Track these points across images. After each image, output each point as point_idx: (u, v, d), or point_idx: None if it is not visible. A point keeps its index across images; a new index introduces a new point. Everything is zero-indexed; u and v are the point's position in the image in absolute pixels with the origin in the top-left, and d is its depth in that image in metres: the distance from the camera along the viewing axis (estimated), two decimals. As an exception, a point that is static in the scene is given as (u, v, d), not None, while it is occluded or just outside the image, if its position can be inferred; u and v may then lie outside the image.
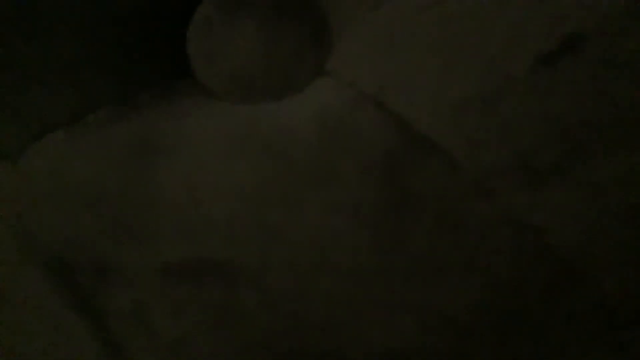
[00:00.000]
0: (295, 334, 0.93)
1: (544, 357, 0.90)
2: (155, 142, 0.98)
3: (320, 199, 0.92)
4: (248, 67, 1.01)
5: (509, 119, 0.87)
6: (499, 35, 0.89)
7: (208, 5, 1.06)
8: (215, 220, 0.95)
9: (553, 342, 0.90)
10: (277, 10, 1.02)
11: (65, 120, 1.02)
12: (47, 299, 0.97)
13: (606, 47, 0.86)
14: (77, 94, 1.03)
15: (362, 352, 0.91)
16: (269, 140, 0.95)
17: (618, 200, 0.86)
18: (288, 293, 0.93)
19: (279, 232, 0.93)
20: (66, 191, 0.99)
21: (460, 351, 0.90)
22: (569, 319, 0.88)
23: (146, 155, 0.98)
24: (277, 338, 0.93)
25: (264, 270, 0.93)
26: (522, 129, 0.87)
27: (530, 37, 0.88)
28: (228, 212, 0.95)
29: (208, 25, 1.05)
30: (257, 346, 0.94)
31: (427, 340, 0.90)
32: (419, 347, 0.90)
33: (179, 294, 0.96)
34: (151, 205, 0.97)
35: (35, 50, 1.04)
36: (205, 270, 0.95)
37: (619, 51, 0.86)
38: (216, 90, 1.03)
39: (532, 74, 0.88)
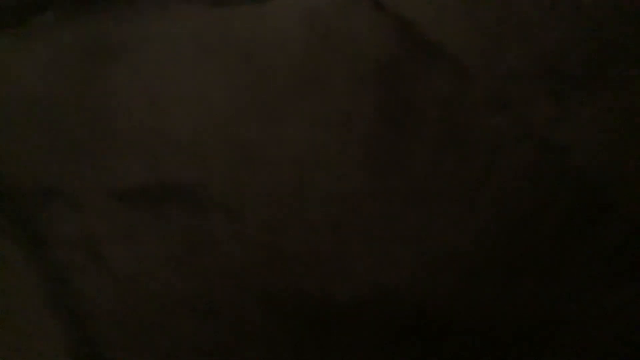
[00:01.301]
0: (273, 269, 0.80)
1: (557, 301, 0.78)
2: (112, 46, 0.84)
3: (305, 112, 0.79)
4: (224, -37, 0.88)
5: (532, 17, 0.74)
6: None
7: None
8: (180, 137, 0.81)
9: (569, 284, 0.77)
10: None
11: (8, 23, 0.88)
12: (-20, 225, 0.84)
13: None
14: (23, -8, 0.89)
15: (350, 290, 0.78)
16: (246, 45, 0.82)
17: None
18: (265, 221, 0.79)
19: (256, 151, 0.80)
20: (11, 103, 0.86)
21: (463, 291, 0.77)
22: (591, 258, 0.76)
23: (101, 61, 0.84)
24: (251, 274, 0.80)
25: (238, 194, 0.80)
26: (547, 28, 0.74)
27: None
28: (195, 127, 0.81)
29: None
30: (227, 283, 0.81)
31: (425, 278, 0.77)
32: (416, 286, 0.77)
33: (135, 222, 0.82)
34: (106, 120, 0.83)
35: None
36: (167, 195, 0.82)
37: None
38: (186, -10, 0.90)
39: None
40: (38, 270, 0.82)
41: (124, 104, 0.83)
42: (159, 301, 0.81)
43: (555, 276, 0.77)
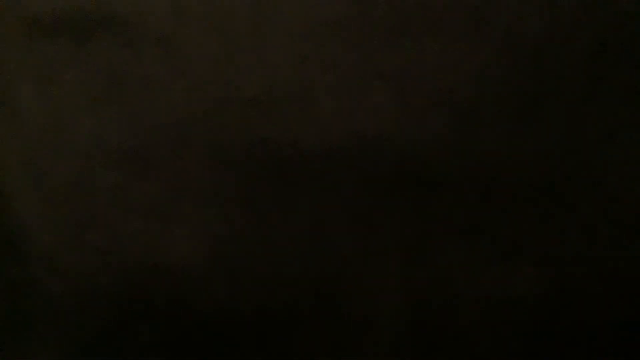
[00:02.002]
0: (223, 114, 0.67)
1: (577, 148, 0.67)
2: None
3: None
4: None
5: None
6: None
7: None
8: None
9: (595, 127, 0.66)
10: None
11: None
12: None
13: None
14: None
15: (317, 137, 0.66)
16: None
17: None
18: (213, 57, 0.67)
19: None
20: None
21: (458, 140, 0.66)
22: (625, 96, 0.65)
23: None
24: (195, 120, 0.67)
25: (180, 25, 0.67)
26: None
27: None
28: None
29: None
30: (166, 131, 0.68)
31: (411, 123, 0.66)
32: (400, 132, 0.66)
33: (54, 57, 0.68)
34: None
35: None
36: (94, 25, 0.68)
37: None
38: None
39: None
40: None
41: None
42: (81, 154, 0.68)
43: (579, 117, 0.66)
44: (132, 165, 0.68)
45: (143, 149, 0.68)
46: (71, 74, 0.68)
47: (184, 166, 0.68)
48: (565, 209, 0.66)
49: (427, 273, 0.68)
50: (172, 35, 0.67)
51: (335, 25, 0.65)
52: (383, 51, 0.65)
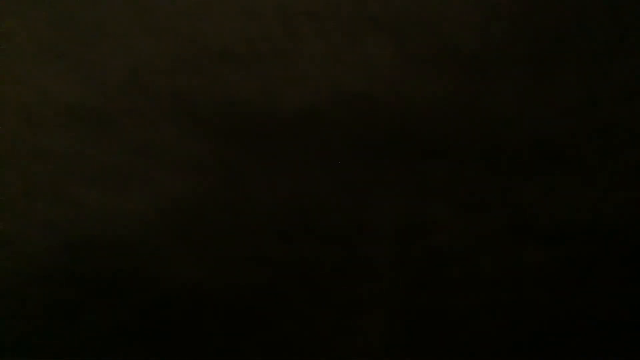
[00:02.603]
0: (192, 69, 0.59)
1: (599, 102, 0.60)
2: None
3: None
4: None
5: None
6: None
7: None
8: None
9: (609, 82, 0.59)
10: None
11: None
12: None
13: None
14: None
15: (300, 95, 0.58)
16: None
17: None
18: (184, 6, 0.58)
19: None
20: None
21: (461, 98, 0.58)
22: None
23: None
24: (161, 75, 0.59)
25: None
26: None
27: None
28: None
29: None
30: (127, 87, 0.59)
31: (409, 80, 0.58)
32: (395, 89, 0.58)
33: (9, 9, 0.60)
34: None
35: None
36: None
37: None
38: None
39: None
40: None
41: None
42: (28, 112, 0.60)
43: (597, 73, 0.59)
44: (87, 125, 0.60)
45: (99, 108, 0.60)
46: (18, 21, 0.60)
47: (146, 128, 0.60)
48: (578, 178, 0.59)
49: (423, 250, 0.60)
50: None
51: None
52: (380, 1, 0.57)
